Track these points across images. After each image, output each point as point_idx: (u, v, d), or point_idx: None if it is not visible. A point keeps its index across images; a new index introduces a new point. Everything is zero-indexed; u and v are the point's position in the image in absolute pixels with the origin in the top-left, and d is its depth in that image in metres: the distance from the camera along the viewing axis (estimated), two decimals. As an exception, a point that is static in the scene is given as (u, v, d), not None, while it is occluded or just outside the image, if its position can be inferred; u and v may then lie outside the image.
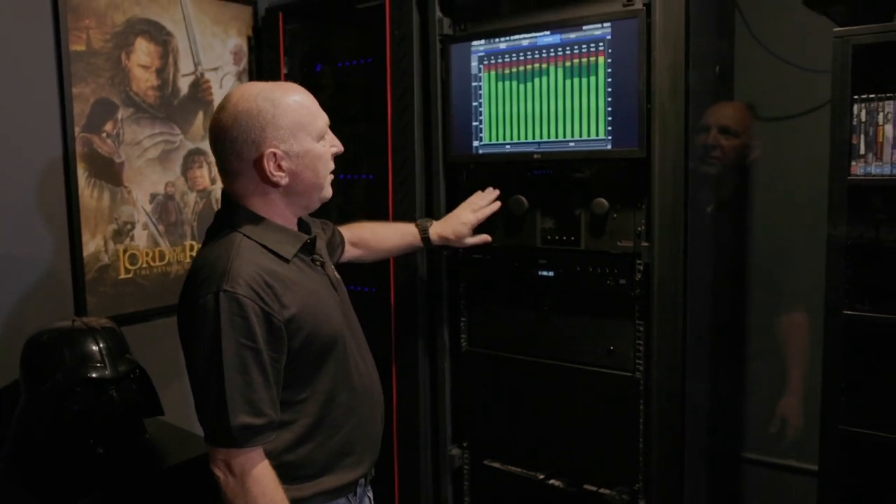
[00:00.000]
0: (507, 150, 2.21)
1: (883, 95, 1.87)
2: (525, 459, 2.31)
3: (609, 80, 2.01)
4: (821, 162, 1.97)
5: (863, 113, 1.89)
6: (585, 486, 2.18)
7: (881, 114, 1.87)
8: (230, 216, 1.61)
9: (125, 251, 2.54)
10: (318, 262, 1.71)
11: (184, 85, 2.69)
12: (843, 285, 1.94)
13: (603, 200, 2.06)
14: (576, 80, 2.06)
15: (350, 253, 2.09)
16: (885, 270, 2.02)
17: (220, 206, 1.69)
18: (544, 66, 2.11)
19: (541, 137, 2.14)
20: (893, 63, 1.91)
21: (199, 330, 1.49)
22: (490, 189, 2.25)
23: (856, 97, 1.89)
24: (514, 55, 2.17)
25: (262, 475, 1.50)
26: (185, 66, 2.69)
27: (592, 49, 2.02)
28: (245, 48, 2.89)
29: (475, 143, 2.27)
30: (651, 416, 2.04)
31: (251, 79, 2.89)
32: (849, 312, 1.94)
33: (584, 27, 2.03)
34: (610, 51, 2.00)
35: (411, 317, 2.39)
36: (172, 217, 2.68)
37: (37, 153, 2.31)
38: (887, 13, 1.92)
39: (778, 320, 2.56)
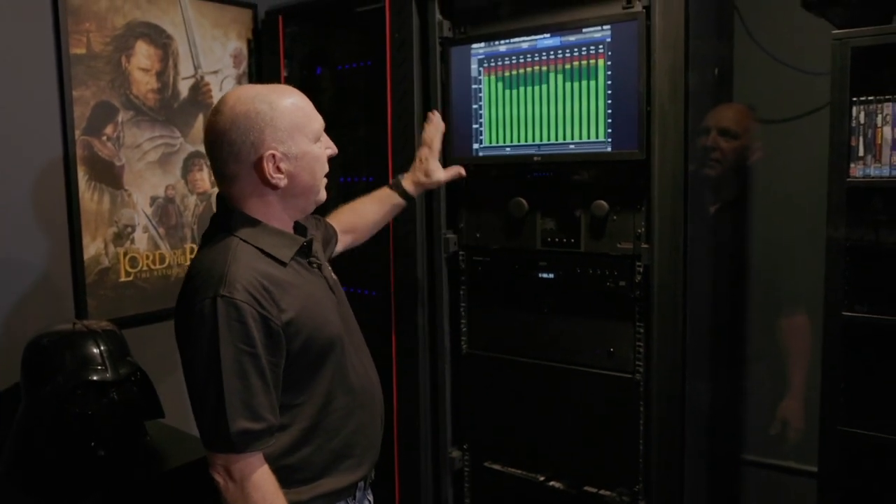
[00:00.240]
0: (507, 153, 2.21)
1: (882, 97, 1.88)
2: (525, 461, 2.31)
3: (609, 82, 2.01)
4: (820, 164, 1.97)
5: (861, 115, 1.90)
6: (586, 488, 2.19)
7: (880, 116, 1.88)
8: (226, 220, 1.60)
9: (125, 254, 2.55)
10: (315, 265, 1.70)
11: (184, 88, 2.70)
12: (843, 287, 1.94)
13: (603, 202, 2.07)
14: (576, 83, 2.07)
15: (344, 241, 2.08)
16: (884, 272, 2.03)
17: (215, 210, 1.69)
18: (544, 68, 2.12)
19: (541, 140, 2.15)
20: (892, 65, 1.92)
21: (197, 336, 1.48)
22: (429, 113, 2.23)
23: (854, 99, 1.90)
24: (513, 58, 2.17)
25: (262, 480, 1.50)
26: (186, 69, 2.70)
27: (592, 52, 2.03)
28: (245, 51, 2.89)
29: (475, 146, 2.27)
30: (651, 418, 2.04)
31: (251, 82, 2.89)
32: (848, 314, 1.94)
33: (584, 30, 2.04)
34: (610, 53, 2.00)
35: (411, 319, 2.39)
36: (173, 220, 2.68)
37: (37, 156, 2.31)
38: (886, 15, 1.92)
39: (778, 323, 2.56)
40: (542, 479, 2.26)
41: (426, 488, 2.44)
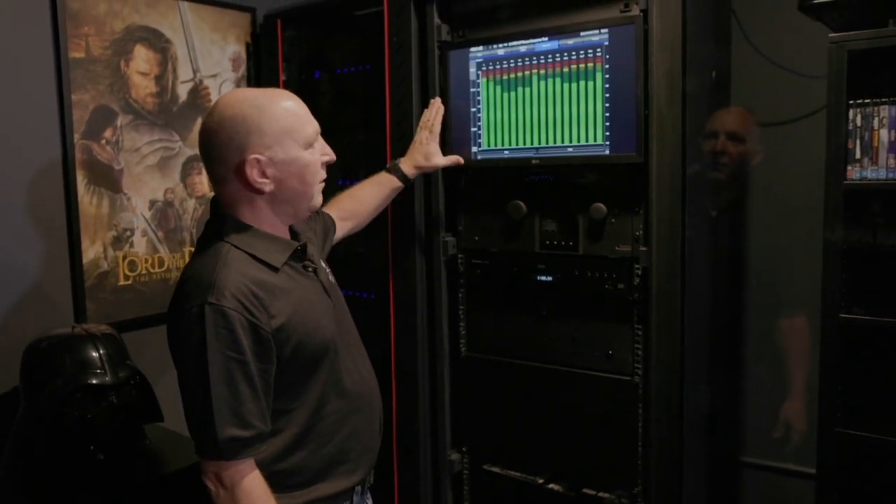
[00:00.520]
0: (506, 156, 2.22)
1: (878, 100, 1.89)
2: (524, 464, 2.31)
3: (606, 85, 2.02)
4: (817, 166, 1.98)
5: (858, 118, 1.91)
6: (585, 490, 2.19)
7: (876, 118, 1.89)
8: (219, 226, 1.60)
9: (124, 258, 2.55)
10: (309, 269, 1.70)
11: (182, 92, 2.70)
12: (840, 289, 1.95)
13: (601, 205, 2.07)
14: (573, 86, 2.07)
15: (344, 227, 2.09)
16: (882, 274, 2.04)
17: (209, 214, 1.68)
18: (542, 72, 2.12)
19: (539, 143, 2.15)
20: (888, 68, 1.93)
21: (186, 343, 1.48)
22: (432, 100, 2.27)
23: (851, 102, 1.91)
24: (512, 61, 2.18)
25: (252, 487, 1.50)
26: (184, 72, 2.70)
27: (590, 55, 2.04)
28: (244, 55, 2.90)
29: (474, 149, 2.28)
30: (650, 420, 2.04)
31: (250, 85, 2.90)
32: (845, 316, 1.95)
33: (582, 33, 2.04)
34: (607, 57, 2.01)
35: (410, 322, 2.39)
36: (171, 223, 2.69)
37: (36, 160, 2.31)
38: (882, 18, 1.93)
39: (779, 325, 2.57)
40: (541, 481, 2.26)
41: (425, 491, 2.44)
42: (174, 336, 1.54)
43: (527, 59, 2.15)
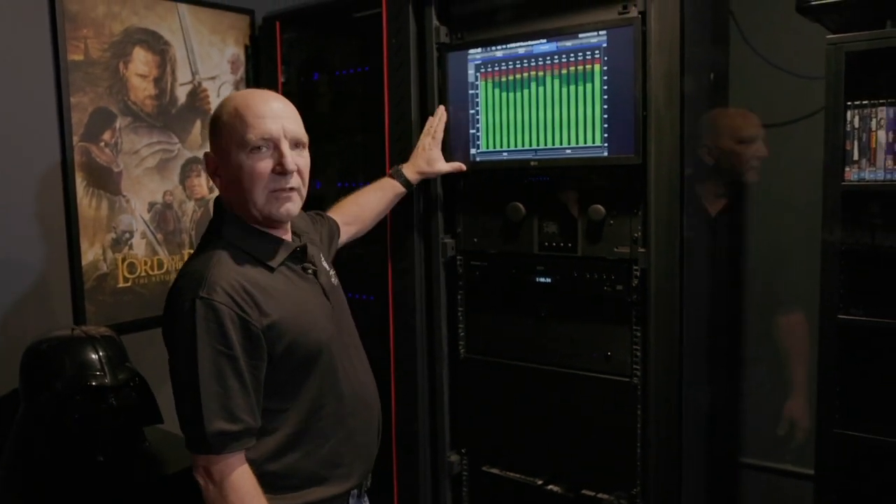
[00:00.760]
0: (505, 158, 2.22)
1: (876, 101, 1.89)
2: (524, 465, 2.31)
3: (605, 87, 2.02)
4: (815, 168, 1.98)
5: (856, 119, 1.91)
6: (584, 492, 2.19)
7: (874, 120, 1.89)
8: (218, 224, 1.64)
9: (124, 260, 2.55)
10: (309, 271, 1.71)
11: (181, 94, 2.70)
12: (838, 290, 1.95)
13: (600, 207, 2.07)
14: (572, 88, 2.08)
15: (347, 232, 2.11)
16: (880, 275, 2.04)
17: (212, 213, 1.72)
18: (541, 73, 2.13)
19: (538, 145, 2.16)
20: (886, 69, 1.93)
21: (177, 337, 1.51)
22: (438, 108, 2.29)
23: (849, 103, 1.91)
24: (510, 63, 2.18)
25: (240, 482, 1.50)
26: (183, 75, 2.70)
27: (588, 57, 2.04)
28: (242, 57, 2.90)
29: (472, 151, 2.28)
30: (649, 421, 2.05)
31: (248, 87, 2.90)
32: (843, 317, 1.95)
33: (580, 35, 2.04)
34: (606, 59, 2.01)
35: (409, 324, 2.40)
36: (171, 226, 2.69)
37: (35, 162, 2.31)
38: (880, 20, 1.93)
39: (777, 322, 2.57)
40: (540, 482, 2.26)
41: (425, 493, 2.45)
42: (167, 330, 1.57)
43: (525, 60, 2.15)
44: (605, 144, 2.04)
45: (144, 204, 2.60)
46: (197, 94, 2.75)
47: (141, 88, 2.57)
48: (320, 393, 1.64)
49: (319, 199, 2.56)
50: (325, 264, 1.80)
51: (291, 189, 1.61)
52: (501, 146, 2.22)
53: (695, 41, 2.02)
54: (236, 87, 2.87)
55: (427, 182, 2.33)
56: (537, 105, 2.14)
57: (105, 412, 2.02)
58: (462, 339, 2.41)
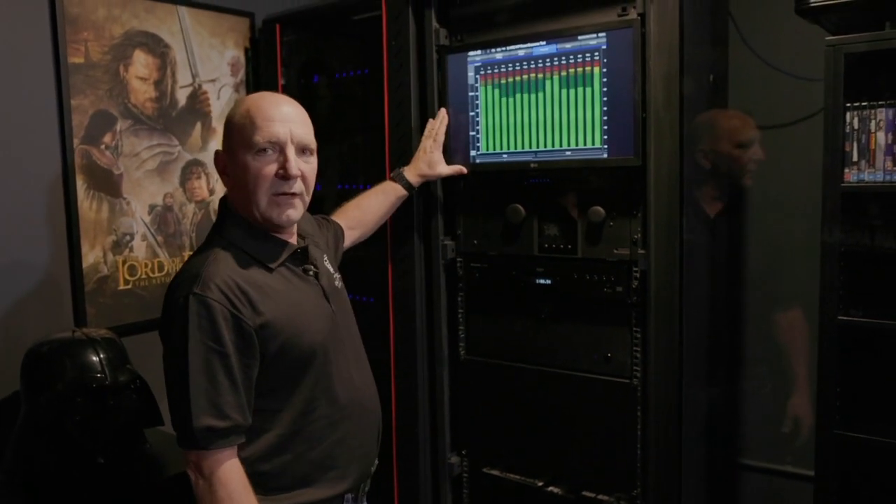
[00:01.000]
0: (504, 160, 2.23)
1: (875, 103, 1.90)
2: (524, 466, 2.32)
3: (604, 89, 2.02)
4: (814, 169, 1.98)
5: (855, 120, 1.91)
6: (584, 493, 2.19)
7: (873, 121, 1.90)
8: (220, 223, 1.66)
9: (124, 262, 2.55)
10: (310, 273, 1.71)
11: (181, 96, 2.71)
12: (838, 291, 1.95)
13: (599, 209, 2.08)
14: (571, 90, 2.08)
15: (351, 237, 2.12)
16: (879, 276, 2.04)
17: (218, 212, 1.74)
18: (540, 76, 2.13)
19: (537, 146, 2.16)
20: (885, 71, 1.94)
21: (170, 332, 1.52)
22: (439, 111, 2.29)
23: (848, 105, 1.91)
24: (510, 65, 2.18)
25: (229, 478, 1.51)
26: (183, 77, 2.71)
27: (588, 59, 2.04)
28: (242, 59, 2.90)
29: (472, 153, 2.28)
30: (649, 423, 2.05)
31: (248, 90, 2.91)
32: (843, 318, 1.95)
33: (580, 37, 2.05)
34: (605, 60, 2.01)
35: (409, 325, 2.40)
36: (171, 228, 2.69)
37: (36, 165, 2.32)
38: (879, 22, 1.94)
39: (777, 320, 2.57)
40: (540, 484, 2.26)
41: (425, 494, 2.45)
42: (162, 326, 1.59)
43: (525, 63, 2.15)
44: (605, 146, 2.04)
45: (145, 206, 2.61)
46: (197, 97, 2.75)
47: (141, 91, 2.58)
48: (314, 395, 1.64)
49: (319, 201, 2.57)
50: (328, 267, 1.80)
51: (294, 194, 1.61)
52: (501, 148, 2.23)
53: (694, 43, 2.03)
54: (236, 90, 2.88)
55: (427, 184, 2.33)
56: (537, 107, 2.15)
57: (106, 414, 2.03)
58: (462, 341, 2.42)
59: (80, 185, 2.41)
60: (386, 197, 2.22)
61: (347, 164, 2.67)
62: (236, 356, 1.50)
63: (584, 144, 2.08)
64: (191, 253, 2.69)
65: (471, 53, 2.25)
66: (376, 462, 1.85)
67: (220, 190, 2.80)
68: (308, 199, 1.67)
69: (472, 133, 2.28)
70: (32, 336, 2.11)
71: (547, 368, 2.24)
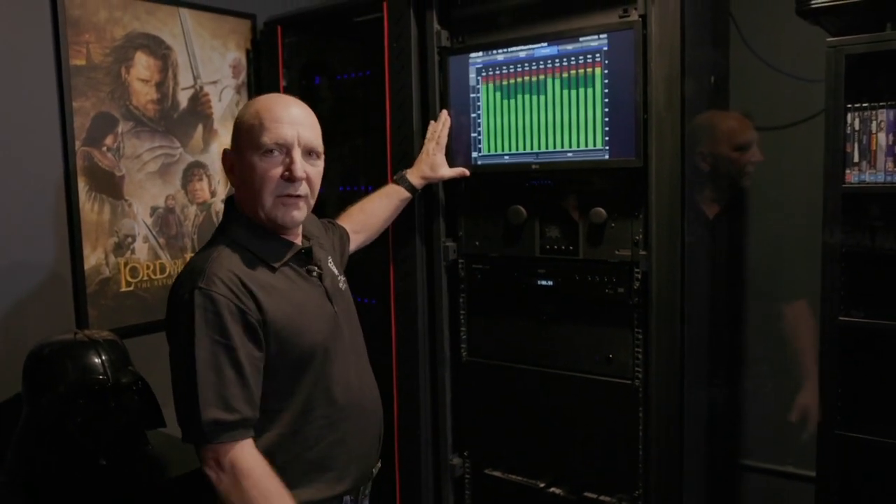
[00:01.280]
0: (506, 161, 2.23)
1: (876, 104, 1.90)
2: (526, 468, 2.32)
3: (606, 90, 2.03)
4: (816, 170, 1.99)
5: (856, 122, 1.92)
6: (586, 494, 2.19)
7: (874, 122, 1.90)
8: (225, 222, 1.67)
9: (126, 264, 2.55)
10: (313, 273, 1.71)
11: (183, 98, 2.71)
12: (839, 292, 1.96)
13: (601, 210, 2.08)
14: (573, 91, 2.08)
15: (356, 240, 2.12)
16: (880, 277, 2.04)
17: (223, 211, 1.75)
18: (542, 77, 2.13)
19: (539, 148, 2.16)
20: (886, 72, 1.94)
21: (175, 327, 1.52)
22: (441, 113, 2.30)
23: (849, 106, 1.92)
24: (511, 67, 2.19)
25: (250, 467, 1.50)
26: (185, 79, 2.71)
27: (589, 60, 2.05)
28: (244, 61, 2.91)
29: (474, 154, 2.29)
30: (650, 424, 2.05)
31: (250, 92, 2.91)
32: (844, 318, 1.96)
33: (581, 39, 2.05)
34: (606, 62, 2.02)
35: (411, 327, 2.40)
36: (173, 230, 2.69)
37: (38, 167, 2.32)
38: (879, 23, 1.94)
39: (783, 314, 2.55)
40: (542, 485, 2.26)
41: (427, 495, 2.45)
42: (167, 323, 1.58)
43: (526, 64, 2.16)
44: (607, 147, 2.04)
45: (147, 208, 2.61)
46: (198, 99, 2.75)
47: (143, 93, 2.58)
48: (312, 396, 1.64)
49: (321, 203, 2.56)
50: (332, 268, 1.80)
51: (298, 196, 1.62)
52: (503, 150, 2.23)
53: (695, 44, 2.03)
54: (238, 92, 2.88)
55: (429, 186, 2.33)
56: (538, 108, 2.15)
57: (107, 416, 2.03)
58: (464, 342, 2.42)
59: (82, 187, 2.41)
60: (389, 200, 2.22)
61: (349, 166, 2.67)
62: (243, 349, 1.50)
63: (586, 146, 2.08)
64: (193, 254, 2.70)
65: (472, 55, 2.25)
66: (378, 465, 1.85)
67: (222, 192, 2.81)
68: (313, 201, 1.69)
69: (473, 135, 2.28)
70: (34, 338, 2.11)
71: (548, 370, 2.24)
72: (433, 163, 2.25)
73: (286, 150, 1.59)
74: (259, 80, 2.90)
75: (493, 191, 2.30)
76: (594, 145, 2.06)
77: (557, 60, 2.10)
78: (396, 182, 2.24)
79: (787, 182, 2.51)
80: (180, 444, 2.23)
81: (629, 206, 2.05)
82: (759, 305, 2.63)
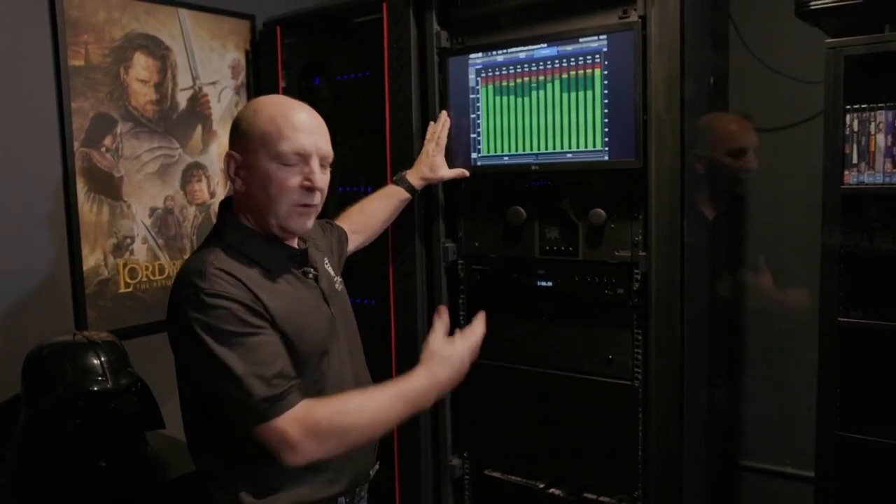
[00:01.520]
0: (506, 162, 2.23)
1: (875, 105, 1.90)
2: (525, 468, 2.32)
3: (605, 91, 2.03)
4: (814, 171, 1.99)
5: (855, 123, 1.92)
6: (585, 495, 2.20)
7: (873, 123, 1.90)
8: (219, 227, 1.65)
9: (125, 265, 2.55)
10: (309, 275, 1.71)
11: (182, 99, 2.71)
12: (837, 293, 1.96)
13: (600, 211, 2.08)
14: (573, 93, 2.09)
15: (355, 241, 2.12)
16: (879, 278, 2.04)
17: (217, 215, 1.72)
18: (541, 78, 2.13)
19: (538, 149, 2.16)
20: (885, 73, 1.94)
21: (187, 331, 1.48)
22: (441, 114, 2.30)
23: (848, 107, 1.92)
24: (511, 68, 2.19)
25: (319, 418, 1.48)
26: (184, 80, 2.71)
27: (589, 61, 2.05)
28: (243, 62, 2.90)
29: (474, 155, 2.29)
30: (650, 424, 2.05)
31: (249, 92, 2.91)
32: (843, 319, 1.96)
33: (581, 40, 2.05)
34: (606, 63, 2.02)
35: (411, 328, 2.40)
36: (172, 231, 2.69)
37: (36, 168, 2.32)
38: (878, 24, 1.94)
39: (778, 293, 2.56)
40: (542, 486, 2.26)
41: (426, 496, 2.45)
42: (175, 328, 1.54)
43: (526, 65, 2.16)
44: (606, 148, 2.04)
45: (145, 209, 2.61)
46: (197, 100, 2.75)
47: (142, 93, 2.58)
48: (307, 397, 1.62)
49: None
50: (329, 270, 1.80)
51: (314, 206, 1.63)
52: (502, 150, 2.23)
53: (695, 45, 2.03)
54: (237, 93, 2.88)
55: (428, 186, 2.33)
56: (538, 109, 2.15)
57: (107, 417, 2.03)
58: (463, 343, 2.41)
59: (81, 187, 2.41)
60: (389, 201, 2.22)
61: (349, 166, 2.67)
62: (259, 332, 1.49)
63: (585, 147, 2.08)
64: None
65: (472, 56, 2.26)
66: (376, 466, 1.84)
67: (221, 192, 2.81)
68: (321, 208, 1.68)
69: (473, 135, 2.28)
70: (33, 339, 2.11)
71: (548, 370, 2.24)
72: (433, 164, 2.25)
73: (305, 159, 1.59)
74: (258, 80, 2.90)
75: (493, 192, 2.30)
76: (594, 146, 2.06)
77: (557, 61, 2.10)
78: (396, 183, 2.24)
79: (786, 183, 2.51)
80: (179, 446, 2.24)
81: (629, 207, 2.05)
82: (759, 305, 2.63)
